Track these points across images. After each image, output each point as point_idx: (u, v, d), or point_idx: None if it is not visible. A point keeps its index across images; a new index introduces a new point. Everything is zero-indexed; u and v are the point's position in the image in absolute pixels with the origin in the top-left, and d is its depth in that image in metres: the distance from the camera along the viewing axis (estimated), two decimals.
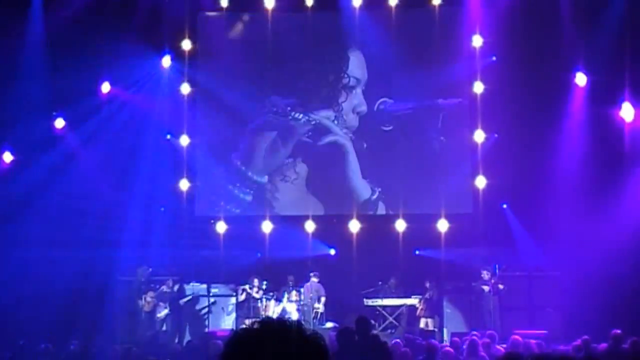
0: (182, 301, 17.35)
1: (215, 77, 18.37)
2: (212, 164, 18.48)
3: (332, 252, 17.75)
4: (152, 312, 16.77)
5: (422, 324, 16.43)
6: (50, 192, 16.34)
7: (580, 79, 16.77)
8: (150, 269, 16.98)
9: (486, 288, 16.30)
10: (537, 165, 16.63)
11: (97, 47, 16.92)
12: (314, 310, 16.68)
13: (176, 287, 17.12)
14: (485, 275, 16.39)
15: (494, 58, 17.54)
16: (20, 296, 15.62)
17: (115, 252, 16.36)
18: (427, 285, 16.79)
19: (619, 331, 11.28)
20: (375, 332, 15.12)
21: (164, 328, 16.91)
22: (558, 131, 16.71)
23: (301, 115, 18.39)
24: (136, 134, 17.36)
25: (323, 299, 16.76)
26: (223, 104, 18.30)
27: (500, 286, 16.25)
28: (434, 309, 16.83)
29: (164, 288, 16.95)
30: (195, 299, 17.54)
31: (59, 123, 17.45)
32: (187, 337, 16.71)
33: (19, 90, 16.21)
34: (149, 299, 16.74)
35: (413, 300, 16.83)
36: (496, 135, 17.48)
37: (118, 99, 17.71)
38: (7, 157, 16.89)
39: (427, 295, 16.74)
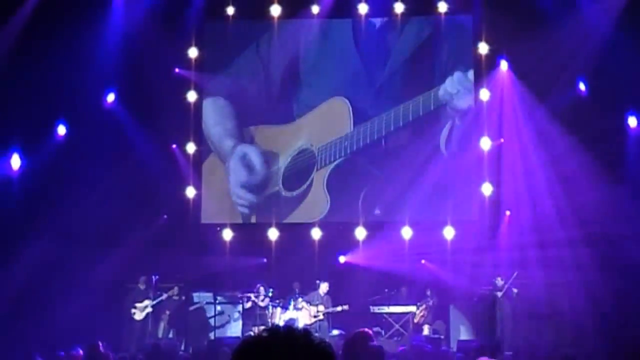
0: (192, 308, 17.36)
1: (222, 85, 18.43)
2: (220, 170, 18.52)
3: (342, 259, 17.72)
4: (145, 320, 16.71)
5: (426, 331, 16.42)
6: (53, 198, 16.34)
7: (583, 86, 16.81)
8: (157, 277, 16.98)
9: (499, 294, 16.24)
10: (544, 172, 16.63)
11: (102, 55, 16.98)
12: (317, 318, 16.64)
13: (177, 294, 17.05)
14: (499, 281, 16.33)
15: (504, 62, 17.52)
16: (24, 301, 15.63)
17: (121, 259, 16.35)
18: (428, 293, 16.79)
19: None
20: (381, 339, 15.13)
21: (170, 335, 16.89)
22: (565, 138, 16.71)
23: None
24: (142, 141, 17.39)
25: (330, 308, 16.73)
26: (230, 110, 18.36)
27: (515, 290, 16.18)
28: (435, 317, 16.82)
29: (166, 296, 16.90)
30: (201, 307, 17.56)
31: (61, 129, 17.42)
32: (190, 345, 16.70)
33: (24, 94, 16.22)
34: (142, 306, 16.68)
35: (420, 307, 16.81)
36: (502, 140, 17.47)
37: (123, 108, 17.73)
38: (16, 161, 16.85)
39: (430, 303, 16.71)
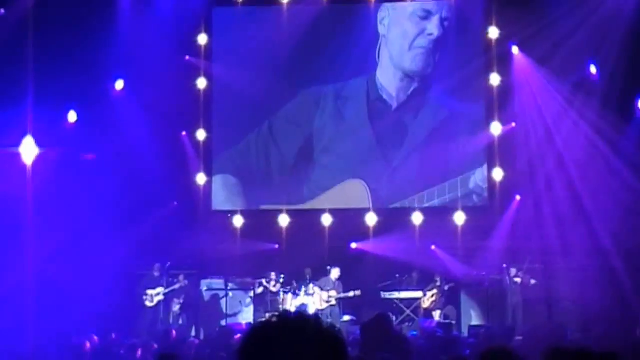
0: (203, 289, 17.40)
1: (232, 71, 18.39)
2: (230, 156, 18.52)
3: (354, 245, 17.74)
4: (157, 307, 16.76)
5: (436, 317, 16.39)
6: (65, 185, 16.36)
7: (593, 69, 16.71)
8: (169, 264, 17.04)
9: (518, 280, 16.17)
10: (554, 156, 16.58)
11: (111, 41, 16.96)
12: (329, 304, 16.68)
13: (185, 282, 17.06)
14: (513, 270, 16.25)
15: (515, 47, 17.40)
16: (38, 290, 15.68)
17: (132, 246, 16.38)
18: (437, 278, 16.73)
19: None
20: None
21: (181, 322, 16.95)
22: (576, 122, 16.63)
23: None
24: (151, 129, 17.38)
25: (342, 294, 16.74)
26: (240, 97, 18.33)
27: (533, 281, 16.10)
28: (446, 302, 16.80)
29: (179, 285, 16.92)
30: (214, 293, 17.61)
31: (72, 116, 17.40)
32: (202, 331, 16.77)
33: (35, 80, 16.18)
34: (153, 293, 16.72)
35: (429, 293, 16.79)
36: (514, 125, 17.41)
37: (133, 95, 17.71)
38: (32, 147, 16.83)
39: (446, 288, 16.67)
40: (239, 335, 11.43)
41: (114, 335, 13.29)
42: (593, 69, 16.69)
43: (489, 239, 16.88)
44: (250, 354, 2.12)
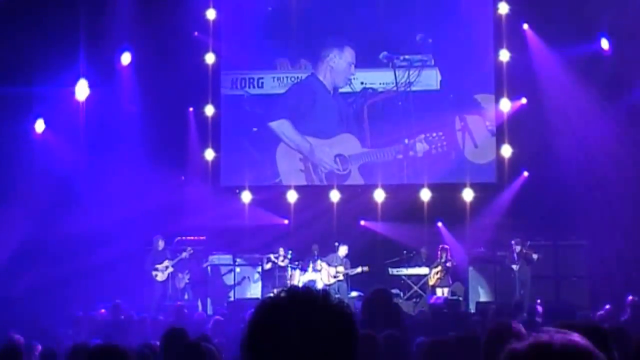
0: (205, 264, 17.37)
1: (240, 46, 18.34)
2: (238, 132, 18.53)
3: (363, 222, 17.77)
4: (166, 281, 16.79)
5: (439, 293, 16.32)
6: (69, 159, 16.38)
7: (605, 44, 16.57)
8: (178, 239, 17.07)
9: (523, 256, 16.08)
10: (564, 133, 16.51)
11: (117, 16, 16.91)
12: (336, 279, 16.72)
13: (191, 250, 17.01)
14: (517, 245, 16.17)
15: (526, 26, 17.30)
16: (45, 264, 15.76)
17: (138, 221, 16.38)
18: (442, 255, 16.66)
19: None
20: (400, 301, 15.20)
21: (186, 297, 16.97)
22: (585, 97, 16.53)
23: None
24: (158, 103, 17.35)
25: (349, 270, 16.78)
26: (248, 71, 18.30)
27: (535, 256, 16.03)
28: (453, 279, 16.78)
29: (185, 254, 16.87)
30: (219, 268, 17.64)
31: (80, 91, 17.31)
32: (210, 306, 16.81)
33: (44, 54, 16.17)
34: (162, 267, 16.71)
35: (434, 270, 16.76)
36: (523, 101, 17.31)
37: (141, 69, 17.66)
38: (40, 126, 16.86)
39: (448, 265, 16.64)
40: (247, 310, 11.49)
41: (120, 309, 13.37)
42: (604, 43, 16.54)
43: (496, 215, 16.85)
44: (259, 328, 2.11)
